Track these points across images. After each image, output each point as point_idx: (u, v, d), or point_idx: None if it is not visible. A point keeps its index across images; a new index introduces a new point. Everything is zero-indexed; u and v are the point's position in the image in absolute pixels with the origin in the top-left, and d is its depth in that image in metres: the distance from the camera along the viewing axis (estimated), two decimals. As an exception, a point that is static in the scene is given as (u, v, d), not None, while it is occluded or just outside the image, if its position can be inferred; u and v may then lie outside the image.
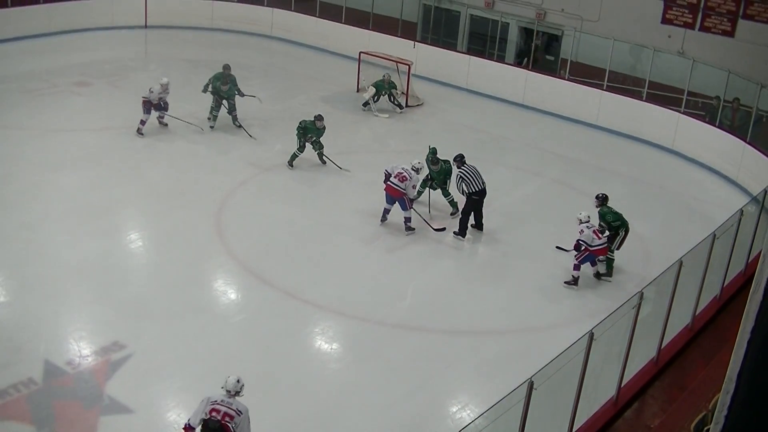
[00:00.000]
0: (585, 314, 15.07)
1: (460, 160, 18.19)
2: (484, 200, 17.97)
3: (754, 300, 1.40)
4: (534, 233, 18.34)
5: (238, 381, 10.51)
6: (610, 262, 16.90)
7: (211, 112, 22.72)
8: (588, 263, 16.51)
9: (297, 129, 20.78)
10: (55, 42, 29.16)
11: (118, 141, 21.49)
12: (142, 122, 21.85)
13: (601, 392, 11.70)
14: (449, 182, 18.80)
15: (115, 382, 12.54)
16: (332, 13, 31.91)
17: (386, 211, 18.26)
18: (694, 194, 21.89)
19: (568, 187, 20.97)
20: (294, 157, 20.88)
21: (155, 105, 21.95)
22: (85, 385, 12.47)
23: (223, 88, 22.48)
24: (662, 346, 12.80)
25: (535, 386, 9.13)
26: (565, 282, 16.55)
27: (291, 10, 32.80)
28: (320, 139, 20.79)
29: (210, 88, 22.74)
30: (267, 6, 33.18)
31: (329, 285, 15.84)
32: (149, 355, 13.27)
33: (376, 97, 25.47)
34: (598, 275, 16.71)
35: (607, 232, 16.66)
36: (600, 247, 16.27)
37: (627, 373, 11.88)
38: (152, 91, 21.74)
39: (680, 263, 12.29)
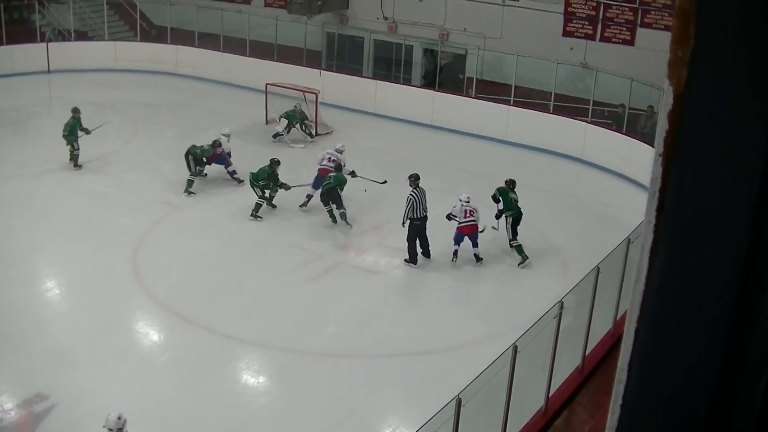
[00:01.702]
0: (508, 328, 15.12)
1: (414, 180, 18.18)
2: (426, 225, 17.99)
3: (637, 290, 1.42)
4: (451, 252, 18.40)
5: (119, 418, 10.57)
6: (518, 249, 18.20)
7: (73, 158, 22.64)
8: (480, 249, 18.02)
9: (250, 178, 20.21)
10: (-45, 93, 28.62)
11: (26, 188, 21.13)
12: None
13: (529, 403, 11.77)
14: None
15: (40, 434, 12.30)
16: (236, 47, 31.89)
17: (309, 197, 20.23)
18: (606, 201, 22.24)
19: (482, 204, 21.11)
20: (258, 207, 20.01)
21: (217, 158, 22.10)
22: (9, 440, 12.21)
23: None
24: (586, 353, 12.92)
25: (463, 403, 9.16)
26: (454, 259, 18.02)
27: (195, 47, 32.71)
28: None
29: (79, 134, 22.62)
30: (170, 43, 33.03)
31: (251, 318, 15.74)
32: (73, 404, 13.00)
33: (287, 129, 25.45)
34: (477, 258, 18.00)
35: (503, 216, 18.59)
36: (466, 224, 17.90)
37: (554, 382, 11.97)
38: (221, 142, 22.18)
39: (597, 270, 12.46)
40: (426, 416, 9.80)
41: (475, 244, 17.99)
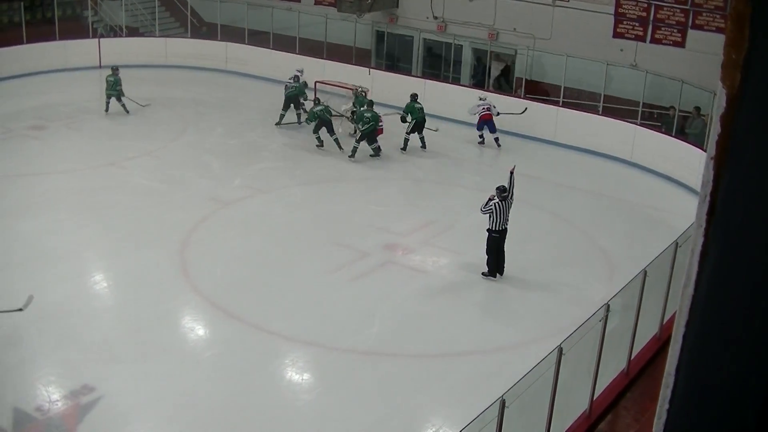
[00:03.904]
0: (553, 330, 15.06)
1: (500, 192, 17.37)
2: (505, 239, 17.39)
3: (686, 294, 1.41)
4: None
5: None
6: (405, 140, 24.70)
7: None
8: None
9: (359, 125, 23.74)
10: (8, 86, 28.94)
11: (75, 183, 21.35)
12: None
13: (573, 406, 11.71)
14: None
15: (86, 425, 12.40)
16: (286, 45, 32.01)
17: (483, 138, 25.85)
18: (654, 204, 22.06)
19: (530, 205, 21.01)
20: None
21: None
22: (56, 431, 12.33)
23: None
24: (632, 357, 12.84)
25: (507, 404, 9.13)
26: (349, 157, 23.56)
27: (245, 44, 32.88)
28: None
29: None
30: (220, 40, 33.23)
31: (296, 315, 15.78)
32: (119, 397, 13.12)
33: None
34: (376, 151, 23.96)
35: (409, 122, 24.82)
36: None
37: (598, 385, 11.90)
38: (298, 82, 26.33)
39: (644, 273, 12.37)
40: (469, 417, 9.79)
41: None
